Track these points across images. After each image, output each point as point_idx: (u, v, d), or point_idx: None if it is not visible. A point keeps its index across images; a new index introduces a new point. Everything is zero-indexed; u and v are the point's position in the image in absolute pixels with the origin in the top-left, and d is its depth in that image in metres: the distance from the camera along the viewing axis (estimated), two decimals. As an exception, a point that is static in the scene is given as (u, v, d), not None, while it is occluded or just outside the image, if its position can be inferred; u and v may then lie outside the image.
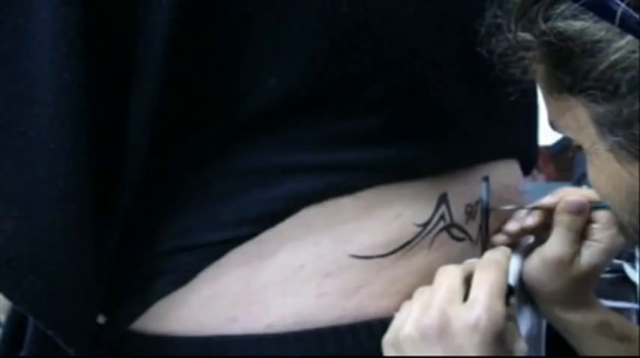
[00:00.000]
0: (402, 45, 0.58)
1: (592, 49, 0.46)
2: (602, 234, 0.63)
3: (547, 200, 0.65)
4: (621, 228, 0.55)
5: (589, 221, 0.63)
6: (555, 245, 0.63)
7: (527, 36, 0.50)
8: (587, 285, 0.66)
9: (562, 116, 0.52)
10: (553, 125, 0.56)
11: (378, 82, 0.58)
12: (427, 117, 0.60)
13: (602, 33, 0.46)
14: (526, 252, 0.67)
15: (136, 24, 0.53)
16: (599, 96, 0.47)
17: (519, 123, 0.72)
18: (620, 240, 0.64)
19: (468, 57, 0.61)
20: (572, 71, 0.48)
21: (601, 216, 0.63)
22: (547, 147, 1.72)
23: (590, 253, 0.63)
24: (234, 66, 0.56)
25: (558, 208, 0.63)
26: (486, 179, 0.64)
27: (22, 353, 0.64)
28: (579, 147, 0.54)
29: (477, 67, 0.61)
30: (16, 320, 0.67)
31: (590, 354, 0.67)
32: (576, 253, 0.63)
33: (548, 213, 0.64)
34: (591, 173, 0.54)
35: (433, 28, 0.60)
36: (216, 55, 0.56)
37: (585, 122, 0.50)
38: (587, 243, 0.64)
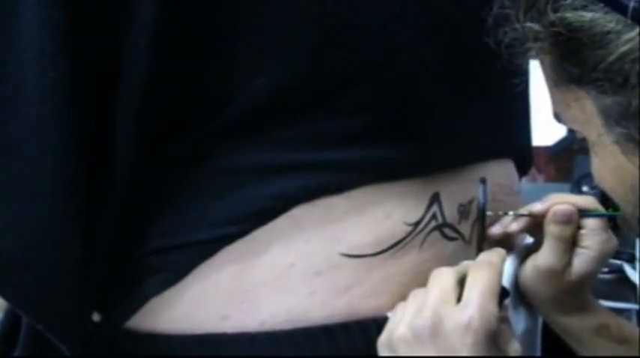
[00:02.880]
0: (390, 44, 0.58)
1: (601, 40, 0.46)
2: (592, 240, 0.63)
3: (535, 207, 0.65)
4: (624, 221, 0.54)
5: (578, 227, 0.63)
6: (547, 255, 0.63)
7: (536, 26, 0.49)
8: (582, 291, 0.65)
9: (568, 108, 0.52)
10: (558, 117, 0.55)
11: (367, 80, 0.58)
12: (417, 116, 0.60)
13: (612, 24, 0.46)
14: (523, 254, 0.67)
15: (123, 23, 0.53)
16: (608, 87, 0.47)
17: (513, 122, 0.72)
18: (611, 245, 0.64)
19: (457, 56, 0.61)
20: (581, 62, 0.48)
21: (590, 222, 0.63)
22: (547, 148, 1.71)
23: (580, 261, 0.63)
24: (222, 65, 0.56)
25: (548, 218, 0.63)
26: (484, 181, 0.64)
27: (16, 352, 0.65)
28: (584, 140, 0.54)
29: (468, 66, 0.61)
30: (12, 319, 0.68)
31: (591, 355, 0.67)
32: (568, 262, 0.63)
33: (536, 219, 0.65)
34: (595, 165, 0.54)
35: (420, 27, 0.60)
36: (204, 54, 0.56)
37: (592, 114, 0.50)
38: (578, 250, 0.64)
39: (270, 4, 0.55)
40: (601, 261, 0.64)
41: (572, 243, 0.63)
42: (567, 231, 0.62)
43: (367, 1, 0.57)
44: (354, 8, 0.56)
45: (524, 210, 0.66)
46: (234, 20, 0.55)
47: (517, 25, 0.51)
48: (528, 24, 0.50)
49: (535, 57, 0.53)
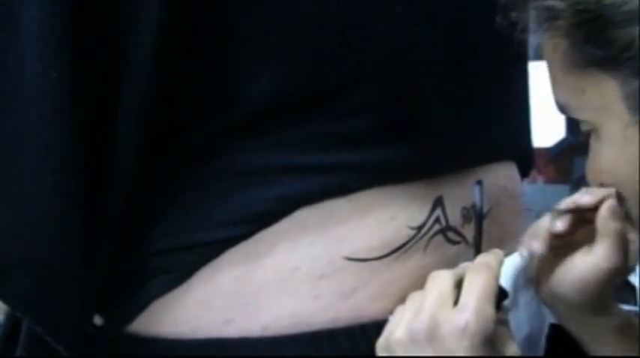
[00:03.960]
0: (393, 45, 0.58)
1: (633, 18, 0.44)
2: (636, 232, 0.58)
3: (582, 199, 0.57)
4: (627, 215, 0.52)
5: None
6: (609, 255, 0.57)
7: (560, 4, 0.47)
8: (609, 296, 0.61)
9: (581, 94, 0.50)
10: (563, 109, 0.53)
11: (370, 82, 0.58)
12: (420, 117, 0.60)
13: None
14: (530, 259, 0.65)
15: (125, 22, 0.53)
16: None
17: (515, 124, 0.72)
18: None
19: (460, 57, 0.61)
20: (608, 43, 0.46)
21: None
22: (546, 149, 1.72)
23: (632, 255, 0.58)
24: (225, 66, 0.56)
25: (603, 214, 0.56)
26: (480, 183, 0.63)
27: (17, 354, 0.64)
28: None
29: (470, 68, 0.61)
30: (13, 320, 0.67)
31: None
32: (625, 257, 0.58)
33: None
34: (605, 157, 0.52)
35: (423, 28, 0.59)
36: (207, 55, 0.56)
37: (612, 97, 0.48)
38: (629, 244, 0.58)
39: (273, 5, 0.55)
40: None
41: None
42: (625, 226, 0.57)
43: (370, 1, 0.57)
44: (358, 8, 0.56)
45: (568, 206, 0.58)
46: (238, 21, 0.55)
47: (537, 3, 0.48)
48: (550, 2, 0.48)
49: (547, 40, 0.50)
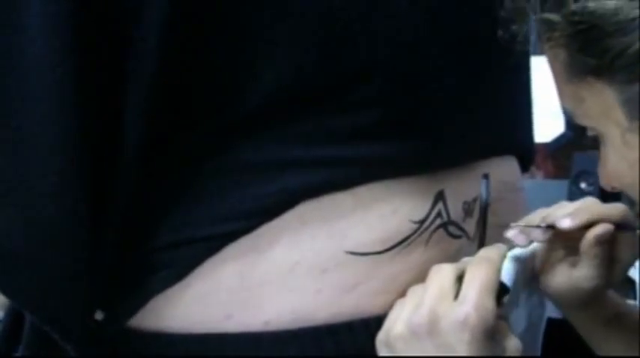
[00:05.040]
0: (397, 40, 0.58)
1: (626, 27, 0.46)
2: (627, 253, 0.61)
3: (565, 222, 0.60)
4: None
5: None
6: (590, 277, 0.61)
7: (555, 17, 0.49)
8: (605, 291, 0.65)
9: (582, 103, 0.52)
10: (570, 115, 0.54)
11: (374, 76, 0.58)
12: (423, 112, 0.60)
13: (637, 11, 0.46)
14: (529, 256, 0.66)
15: (130, 19, 0.52)
16: (635, 75, 0.46)
17: (517, 119, 0.72)
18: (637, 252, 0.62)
19: (462, 52, 0.61)
20: (602, 52, 0.48)
21: (627, 237, 0.61)
22: (545, 145, 1.71)
23: (617, 273, 0.62)
24: (230, 62, 0.56)
25: (588, 239, 0.60)
26: (486, 176, 0.63)
27: (20, 351, 0.64)
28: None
29: (472, 62, 0.61)
30: (14, 317, 0.67)
31: (604, 347, 0.66)
32: (607, 276, 0.62)
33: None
34: (611, 163, 0.53)
35: (426, 23, 0.59)
36: (212, 51, 0.55)
37: (612, 105, 0.49)
38: (614, 263, 0.62)
39: (278, 2, 0.55)
40: (629, 268, 0.63)
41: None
42: (606, 250, 0.60)
43: None
44: (362, 4, 0.56)
45: (552, 223, 0.61)
46: (242, 18, 0.55)
47: (534, 17, 0.50)
48: (546, 15, 0.50)
49: (547, 50, 0.52)
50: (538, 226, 0.61)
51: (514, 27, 0.52)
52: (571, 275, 0.62)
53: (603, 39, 0.47)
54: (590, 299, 0.64)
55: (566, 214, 0.60)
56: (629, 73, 0.47)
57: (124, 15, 0.53)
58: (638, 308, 0.69)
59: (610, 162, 0.54)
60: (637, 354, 0.63)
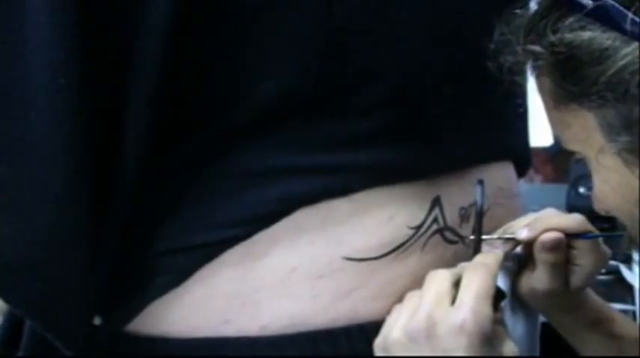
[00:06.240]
0: (397, 47, 0.58)
1: (600, 56, 0.49)
2: (585, 259, 0.63)
3: (522, 233, 0.63)
4: (630, 238, 0.55)
5: (570, 247, 0.63)
6: (542, 280, 0.63)
7: (537, 48, 0.52)
8: (579, 295, 0.66)
9: (568, 128, 0.54)
10: (559, 140, 0.57)
11: (371, 85, 0.58)
12: (422, 120, 0.60)
13: (610, 41, 0.49)
14: (515, 261, 0.67)
15: (133, 27, 0.53)
16: (609, 98, 0.49)
17: (513, 124, 0.73)
18: (605, 260, 0.65)
19: (461, 59, 0.61)
20: (581, 79, 0.50)
21: (582, 243, 0.63)
22: (544, 149, 1.72)
23: (576, 278, 0.64)
24: (232, 68, 0.56)
25: (537, 246, 0.62)
26: (481, 182, 0.64)
27: (19, 355, 0.65)
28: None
29: (469, 69, 0.61)
30: (13, 321, 0.68)
31: (583, 350, 0.67)
32: (564, 280, 0.64)
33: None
34: (597, 186, 0.55)
35: (427, 30, 0.60)
36: (214, 57, 0.56)
37: (592, 129, 0.51)
38: (572, 267, 0.64)
39: (278, 8, 0.55)
40: (596, 274, 0.65)
41: (565, 262, 0.63)
42: (558, 256, 0.62)
43: (374, 5, 0.57)
44: (361, 12, 0.57)
45: (511, 236, 0.64)
46: (244, 23, 0.55)
47: (518, 48, 0.53)
48: (529, 46, 0.52)
49: (535, 78, 0.55)
50: (500, 238, 0.64)
51: (502, 58, 0.55)
52: (528, 279, 0.65)
53: (580, 68, 0.50)
54: (559, 302, 0.65)
55: (524, 226, 0.63)
56: (603, 98, 0.49)
57: (126, 23, 0.53)
58: (621, 313, 0.71)
59: (595, 186, 0.55)
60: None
